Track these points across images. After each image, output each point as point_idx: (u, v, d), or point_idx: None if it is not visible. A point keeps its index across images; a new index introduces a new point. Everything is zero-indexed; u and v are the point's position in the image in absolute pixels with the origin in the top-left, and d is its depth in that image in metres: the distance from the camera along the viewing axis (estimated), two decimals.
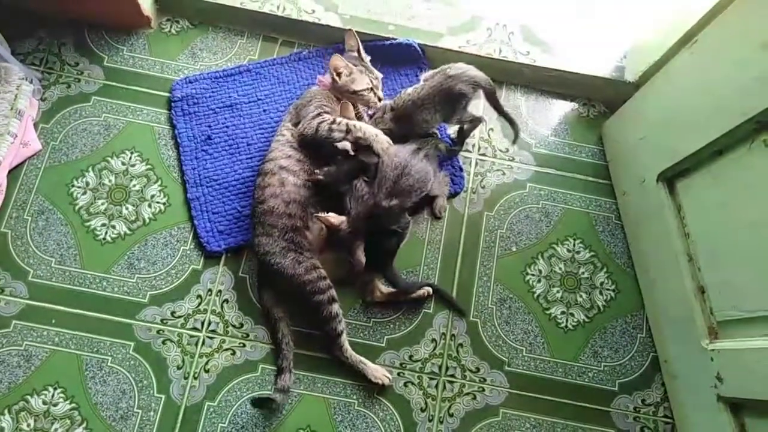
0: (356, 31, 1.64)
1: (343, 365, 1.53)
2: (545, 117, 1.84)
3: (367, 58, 1.65)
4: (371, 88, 1.61)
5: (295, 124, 1.59)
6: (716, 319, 1.37)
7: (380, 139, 1.55)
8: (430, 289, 1.60)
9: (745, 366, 1.27)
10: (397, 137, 1.60)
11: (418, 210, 1.69)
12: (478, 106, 1.74)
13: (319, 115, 1.55)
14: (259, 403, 1.49)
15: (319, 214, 1.48)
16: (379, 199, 1.49)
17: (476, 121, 1.71)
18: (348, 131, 1.53)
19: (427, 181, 1.57)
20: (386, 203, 1.49)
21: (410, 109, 1.58)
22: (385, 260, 1.57)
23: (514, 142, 1.73)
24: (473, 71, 1.58)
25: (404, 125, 1.61)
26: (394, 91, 1.75)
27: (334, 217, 1.49)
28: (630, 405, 1.58)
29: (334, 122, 1.53)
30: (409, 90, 1.60)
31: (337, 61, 1.57)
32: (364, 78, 1.60)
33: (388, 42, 1.77)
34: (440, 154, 1.69)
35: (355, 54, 1.64)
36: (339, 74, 1.58)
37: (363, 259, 1.49)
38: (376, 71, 1.65)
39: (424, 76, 1.62)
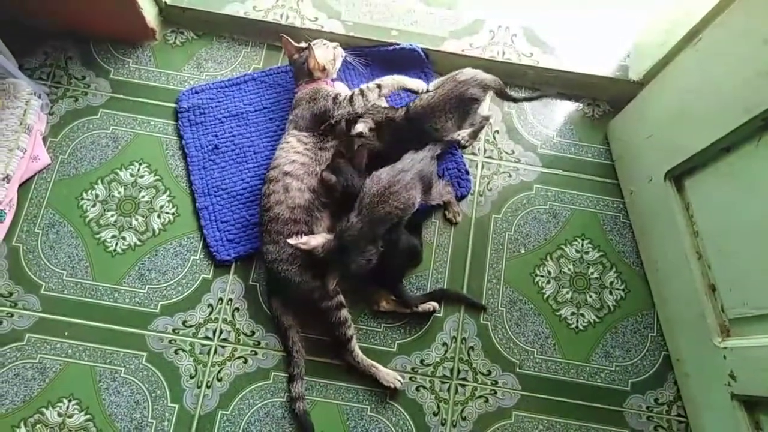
0: (360, 37, 1.65)
1: (354, 371, 1.54)
2: (550, 118, 1.84)
3: (298, 44, 1.69)
4: (334, 52, 1.67)
5: (302, 129, 1.60)
6: (728, 316, 1.37)
7: (415, 82, 1.63)
8: (436, 305, 1.60)
9: (758, 363, 1.26)
10: (400, 136, 1.60)
11: (414, 227, 1.67)
12: (484, 105, 1.74)
13: (335, 99, 1.59)
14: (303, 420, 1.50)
15: (291, 240, 1.45)
16: (347, 225, 1.46)
17: (485, 120, 1.71)
18: (379, 88, 1.60)
19: (408, 209, 1.51)
20: (353, 232, 1.45)
21: (421, 114, 1.58)
22: (394, 279, 1.59)
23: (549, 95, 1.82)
24: (481, 74, 1.59)
25: (414, 128, 1.60)
26: (399, 97, 1.76)
27: (306, 241, 1.45)
28: (643, 404, 1.57)
29: (363, 89, 1.60)
30: (423, 96, 1.60)
31: (311, 56, 1.62)
32: (320, 46, 1.65)
33: (392, 47, 1.78)
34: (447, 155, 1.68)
35: (296, 55, 1.68)
36: (312, 63, 1.63)
37: (331, 286, 1.48)
38: (315, 40, 1.69)
39: (432, 84, 1.62)
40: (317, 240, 1.45)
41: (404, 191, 1.48)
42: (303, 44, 1.68)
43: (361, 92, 1.59)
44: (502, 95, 1.67)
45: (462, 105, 1.58)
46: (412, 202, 1.51)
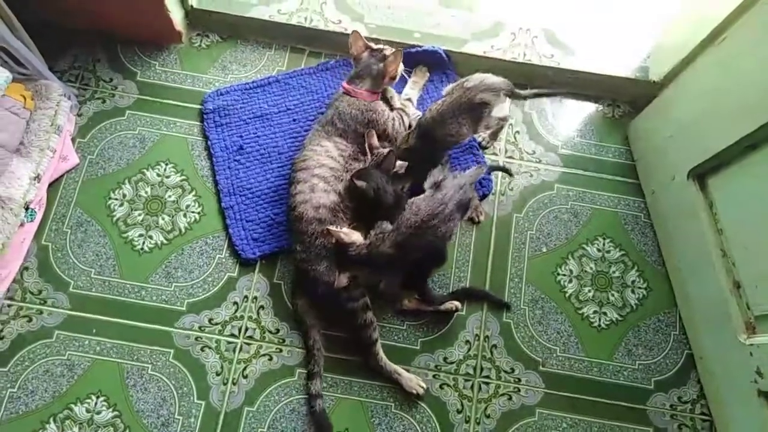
0: (383, 39, 1.67)
1: (377, 372, 1.55)
2: (571, 118, 1.86)
3: (374, 45, 1.68)
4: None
5: (348, 138, 1.61)
6: (753, 313, 1.37)
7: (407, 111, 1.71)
8: (458, 304, 1.61)
9: None
10: (421, 156, 1.60)
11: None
12: (503, 107, 1.75)
13: (393, 125, 1.66)
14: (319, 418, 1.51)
15: (331, 227, 1.46)
16: (380, 248, 1.44)
17: (503, 121, 1.72)
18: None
19: (446, 241, 1.51)
20: (384, 256, 1.43)
21: (432, 125, 1.57)
22: (419, 279, 1.60)
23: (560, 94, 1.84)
24: (491, 78, 1.59)
25: (428, 142, 1.59)
26: (421, 98, 1.78)
27: (347, 233, 1.45)
28: (666, 403, 1.58)
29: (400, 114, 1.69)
30: (433, 106, 1.60)
31: (394, 60, 1.63)
32: (399, 58, 1.66)
33: (414, 49, 1.80)
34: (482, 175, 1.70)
35: (367, 53, 1.67)
36: (391, 69, 1.64)
37: (344, 284, 1.44)
38: (386, 47, 1.69)
39: (445, 90, 1.63)
40: (356, 236, 1.45)
41: (443, 225, 1.46)
42: (382, 46, 1.67)
43: (403, 111, 1.66)
44: (513, 96, 1.66)
45: (473, 110, 1.58)
46: (450, 234, 1.51)
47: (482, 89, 1.57)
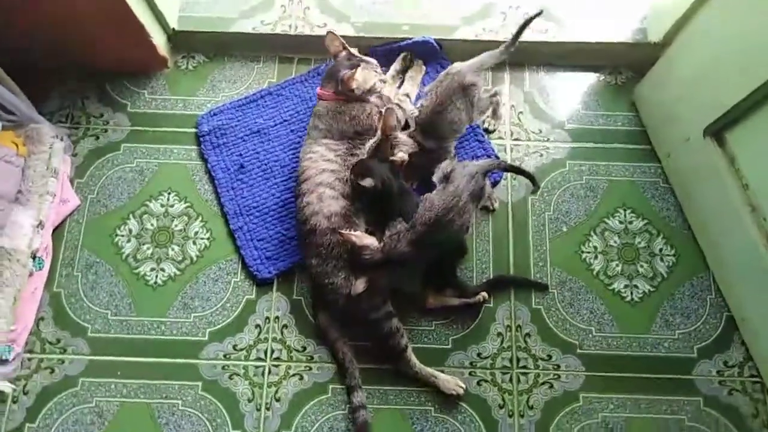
0: (371, 37, 1.63)
1: (413, 379, 1.51)
2: (573, 92, 1.82)
3: (354, 50, 1.64)
4: (381, 79, 1.62)
5: (335, 137, 1.58)
6: None
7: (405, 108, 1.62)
8: (486, 294, 1.57)
9: None
10: (429, 156, 1.58)
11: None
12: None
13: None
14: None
15: (343, 231, 1.42)
16: (397, 247, 1.41)
17: (496, 96, 1.69)
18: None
19: (464, 233, 1.49)
20: (402, 256, 1.41)
21: (433, 118, 1.56)
22: (449, 275, 1.57)
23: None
24: (469, 61, 1.60)
25: (431, 135, 1.58)
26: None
27: (359, 237, 1.42)
28: (712, 369, 1.53)
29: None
30: (424, 103, 1.59)
31: (351, 75, 1.54)
32: (370, 72, 1.60)
33: (405, 42, 1.76)
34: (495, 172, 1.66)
35: (344, 54, 1.63)
36: (350, 85, 1.56)
37: (360, 290, 1.41)
38: (369, 59, 1.64)
39: (427, 88, 1.62)
40: (370, 240, 1.42)
41: (458, 217, 1.42)
42: (357, 53, 1.63)
43: (399, 107, 1.60)
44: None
45: (466, 94, 1.57)
46: (467, 226, 1.48)
47: (467, 71, 1.57)
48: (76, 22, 1.61)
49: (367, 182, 1.44)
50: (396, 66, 1.76)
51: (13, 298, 1.42)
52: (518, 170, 1.59)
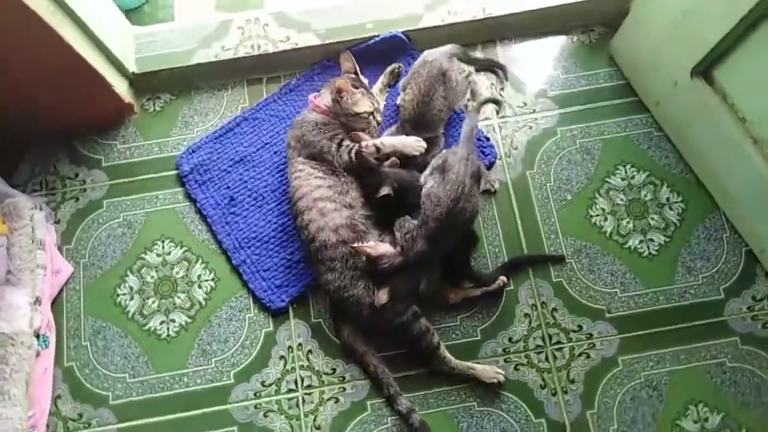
0: (337, 42, 1.58)
1: (450, 376, 1.48)
2: (549, 58, 1.79)
3: (365, 81, 1.61)
4: (372, 112, 1.57)
5: (307, 156, 1.53)
6: None
7: (408, 143, 1.51)
8: (505, 278, 1.55)
9: None
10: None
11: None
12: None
13: (340, 144, 1.51)
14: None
15: (356, 245, 1.40)
16: (414, 247, 1.39)
17: (470, 76, 1.69)
18: (378, 150, 1.49)
19: (474, 217, 1.47)
20: (420, 255, 1.39)
21: (421, 109, 1.55)
22: (463, 266, 1.54)
23: (506, 79, 1.75)
24: (440, 48, 1.61)
25: (423, 127, 1.57)
26: (395, 90, 1.70)
27: (373, 247, 1.39)
28: (743, 306, 1.52)
29: (362, 147, 1.49)
30: (406, 97, 1.58)
31: (344, 83, 1.51)
32: (366, 100, 1.56)
33: (372, 41, 1.72)
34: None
35: (353, 76, 1.60)
36: (341, 96, 1.52)
37: (384, 300, 1.39)
38: (376, 96, 1.63)
39: (403, 81, 1.62)
40: (384, 247, 1.39)
41: (468, 203, 1.39)
42: (364, 79, 1.62)
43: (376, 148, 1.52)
44: (467, 60, 1.70)
45: (445, 80, 1.56)
46: (477, 210, 1.46)
47: (441, 58, 1.57)
48: (36, 86, 1.55)
49: (384, 191, 1.45)
50: (383, 79, 1.72)
51: (25, 383, 1.36)
52: (488, 100, 1.65)
